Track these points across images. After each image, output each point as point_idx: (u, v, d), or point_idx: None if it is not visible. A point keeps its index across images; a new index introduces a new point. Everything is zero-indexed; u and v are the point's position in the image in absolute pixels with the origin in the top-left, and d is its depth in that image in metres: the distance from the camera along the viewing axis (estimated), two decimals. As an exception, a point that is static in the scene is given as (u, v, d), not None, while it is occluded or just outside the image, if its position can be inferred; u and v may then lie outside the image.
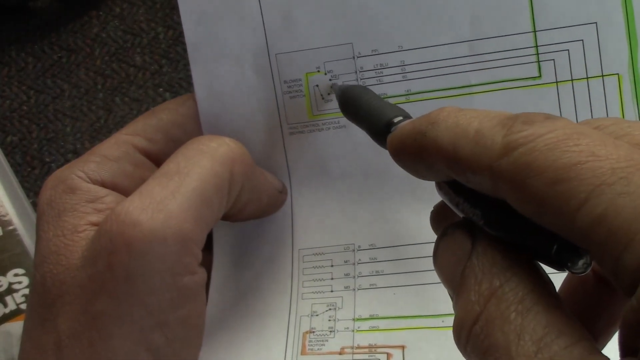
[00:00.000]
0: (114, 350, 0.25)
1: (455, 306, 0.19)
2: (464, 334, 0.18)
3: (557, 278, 0.19)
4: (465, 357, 0.18)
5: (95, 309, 0.25)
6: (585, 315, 0.21)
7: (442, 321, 0.29)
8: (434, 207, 0.22)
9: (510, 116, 0.18)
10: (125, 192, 0.29)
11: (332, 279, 0.30)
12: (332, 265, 0.30)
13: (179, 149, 0.28)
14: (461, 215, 0.20)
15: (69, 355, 0.25)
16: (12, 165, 0.46)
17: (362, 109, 0.25)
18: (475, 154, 0.18)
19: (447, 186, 0.20)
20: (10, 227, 0.44)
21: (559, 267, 0.17)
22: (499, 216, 0.18)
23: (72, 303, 0.26)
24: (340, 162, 0.31)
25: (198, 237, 0.26)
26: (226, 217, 0.30)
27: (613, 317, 0.21)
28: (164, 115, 0.31)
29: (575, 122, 0.28)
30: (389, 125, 0.23)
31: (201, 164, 0.27)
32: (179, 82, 0.47)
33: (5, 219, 0.44)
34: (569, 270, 0.17)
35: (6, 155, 0.47)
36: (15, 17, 0.49)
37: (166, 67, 0.47)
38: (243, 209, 0.29)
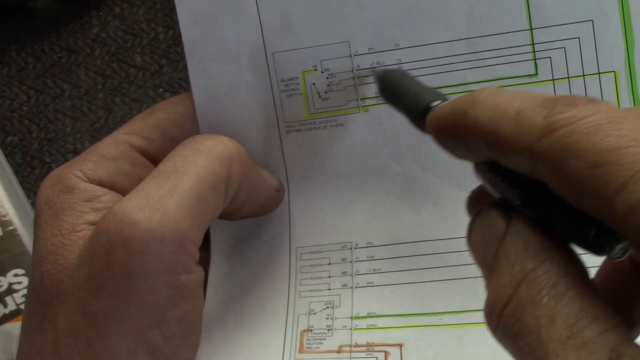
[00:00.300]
0: (112, 349, 0.25)
1: (487, 287, 0.19)
2: (494, 317, 0.18)
3: (592, 264, 0.19)
4: (496, 339, 0.18)
5: (93, 308, 0.25)
6: (620, 304, 0.21)
7: (440, 319, 0.29)
8: (470, 192, 0.22)
9: (553, 98, 0.18)
10: (123, 191, 0.29)
11: (329, 277, 0.30)
12: (329, 264, 0.31)
13: (175, 148, 0.28)
14: (498, 196, 0.20)
15: (67, 355, 0.25)
16: (12, 166, 0.46)
17: (402, 93, 0.25)
18: (516, 134, 0.17)
19: (486, 167, 0.20)
20: (10, 228, 0.44)
21: (597, 252, 0.17)
22: (538, 197, 0.18)
23: (70, 302, 0.26)
24: (338, 160, 0.31)
25: (195, 236, 0.26)
26: (223, 216, 0.30)
27: None
28: (161, 115, 0.31)
29: None
30: (427, 109, 0.23)
31: (198, 163, 0.27)
32: (179, 83, 0.47)
33: (5, 219, 0.44)
34: (607, 255, 0.17)
35: (6, 155, 0.47)
36: (15, 17, 0.49)
37: (166, 67, 0.47)
38: (240, 207, 0.29)
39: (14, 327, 0.42)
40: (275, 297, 0.31)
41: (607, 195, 0.16)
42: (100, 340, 0.25)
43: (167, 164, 0.27)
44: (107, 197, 0.28)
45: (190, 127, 0.32)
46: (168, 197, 0.26)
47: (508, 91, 0.19)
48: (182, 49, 0.32)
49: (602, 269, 0.22)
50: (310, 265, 0.31)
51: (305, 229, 0.31)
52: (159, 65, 0.47)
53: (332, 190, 0.31)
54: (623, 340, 0.16)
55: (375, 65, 0.30)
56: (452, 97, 0.22)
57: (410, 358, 0.28)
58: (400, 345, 0.28)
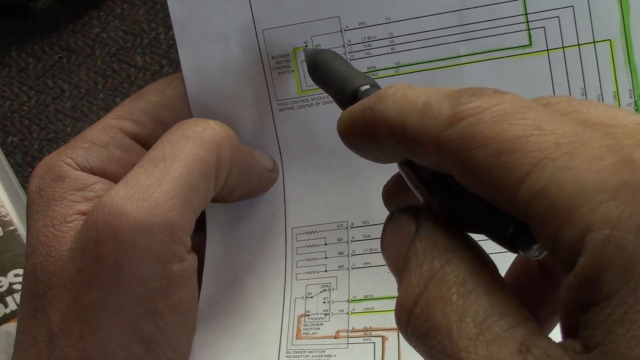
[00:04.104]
0: (105, 340, 0.25)
1: (398, 291, 0.18)
2: (404, 317, 0.18)
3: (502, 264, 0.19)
4: (407, 341, 0.18)
5: (86, 301, 0.25)
6: (529, 303, 0.20)
7: None
8: (383, 187, 0.22)
9: (459, 90, 0.18)
10: (115, 177, 0.29)
11: (325, 258, 0.30)
12: (325, 244, 0.30)
13: (164, 134, 0.28)
14: (420, 196, 0.19)
15: (60, 347, 0.25)
16: (12, 166, 0.46)
17: (331, 75, 0.25)
18: (422, 124, 0.17)
19: (406, 166, 0.20)
20: (11, 228, 0.44)
21: (514, 249, 0.17)
22: (452, 196, 0.18)
23: (62, 295, 0.26)
24: (331, 137, 0.30)
25: (185, 224, 0.26)
26: (216, 200, 0.29)
27: (557, 306, 0.21)
28: (151, 98, 0.31)
29: (568, 91, 0.28)
30: (355, 94, 0.23)
31: (187, 150, 0.27)
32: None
33: (6, 219, 0.44)
34: (523, 253, 0.17)
35: (7, 155, 0.47)
36: (15, 17, 0.49)
37: (167, 68, 0.47)
38: (233, 190, 0.29)
39: (15, 327, 0.42)
40: (271, 281, 0.30)
41: (511, 182, 0.16)
42: (94, 332, 0.25)
43: (155, 152, 0.27)
44: (98, 185, 0.28)
45: (181, 109, 0.31)
46: (156, 186, 0.25)
47: (417, 87, 0.19)
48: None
49: (512, 271, 0.22)
50: (307, 246, 0.30)
51: (300, 209, 0.31)
52: (160, 66, 0.47)
53: (326, 168, 0.30)
54: (532, 334, 0.16)
55: (366, 40, 0.30)
56: (404, 79, 0.21)
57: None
58: (398, 329, 0.28)
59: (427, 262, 0.18)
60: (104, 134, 0.30)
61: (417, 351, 0.18)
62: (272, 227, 0.31)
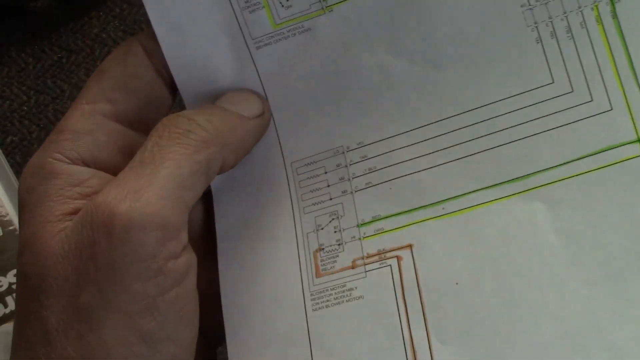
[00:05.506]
0: (104, 339, 0.25)
1: None
2: None
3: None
4: None
5: (82, 301, 0.25)
6: None
7: (443, 208, 0.28)
8: None
9: None
10: (106, 165, 0.28)
11: (328, 186, 0.30)
12: (325, 172, 0.30)
13: (152, 133, 0.27)
14: None
15: (58, 348, 0.25)
16: (12, 166, 0.47)
17: None
18: None
19: None
20: (11, 227, 0.44)
21: None
22: None
23: (57, 296, 0.26)
24: (311, 65, 0.30)
25: (178, 221, 0.26)
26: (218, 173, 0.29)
27: None
28: (115, 71, 0.30)
29: None
30: None
31: (176, 150, 0.26)
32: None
33: (6, 219, 0.44)
34: None
35: (6, 155, 0.47)
36: (15, 17, 0.50)
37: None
38: (232, 164, 0.29)
39: (14, 327, 0.42)
40: (280, 219, 0.30)
41: None
42: (92, 331, 0.25)
43: (145, 154, 0.27)
44: (94, 180, 0.28)
45: (148, 73, 0.30)
46: (147, 186, 0.25)
47: None
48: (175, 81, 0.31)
49: None
50: (308, 178, 0.30)
51: (295, 142, 0.30)
52: (159, 66, 0.47)
53: (312, 97, 0.30)
54: None
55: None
56: None
57: (421, 258, 0.28)
58: (410, 246, 0.28)
59: None
60: (85, 121, 0.28)
61: None
62: (271, 166, 0.30)
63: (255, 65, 0.30)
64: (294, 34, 0.30)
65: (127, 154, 0.28)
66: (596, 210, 0.26)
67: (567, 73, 0.27)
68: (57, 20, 0.49)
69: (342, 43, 0.29)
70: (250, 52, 0.30)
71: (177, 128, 0.27)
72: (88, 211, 0.26)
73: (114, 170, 0.28)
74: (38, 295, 0.26)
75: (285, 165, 0.30)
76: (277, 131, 0.30)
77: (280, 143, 0.30)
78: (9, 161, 0.47)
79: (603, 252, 0.26)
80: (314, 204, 0.30)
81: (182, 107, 0.31)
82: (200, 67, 0.30)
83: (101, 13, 0.49)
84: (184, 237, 0.27)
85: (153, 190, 0.25)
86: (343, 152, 0.30)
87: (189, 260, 0.27)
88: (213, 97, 0.30)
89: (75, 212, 0.27)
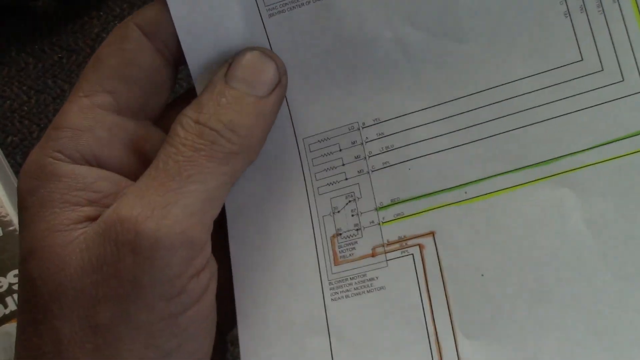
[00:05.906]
0: (122, 355, 0.25)
1: None
2: None
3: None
4: None
5: (101, 315, 0.25)
6: None
7: (465, 192, 0.27)
8: None
9: None
10: (110, 163, 0.27)
11: (343, 164, 0.28)
12: (340, 150, 0.28)
13: (172, 136, 0.26)
14: None
15: (70, 359, 0.25)
16: (12, 166, 0.46)
17: None
18: None
19: None
20: (11, 228, 0.44)
21: None
22: None
23: (72, 308, 0.25)
24: (326, 36, 0.28)
25: (205, 237, 0.26)
26: None
27: None
28: (112, 59, 0.28)
29: None
30: None
31: (201, 163, 0.26)
32: (179, 82, 0.46)
33: (6, 219, 0.44)
34: None
35: (6, 155, 0.47)
36: (15, 17, 0.49)
37: (166, 68, 0.47)
38: (255, 157, 0.28)
39: (15, 327, 0.42)
40: (294, 199, 0.29)
41: None
42: (110, 346, 0.25)
43: (169, 163, 0.26)
44: (102, 184, 0.26)
45: (146, 61, 0.28)
46: (174, 203, 0.25)
47: None
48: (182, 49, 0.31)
49: None
50: (322, 155, 0.28)
51: (307, 117, 0.29)
52: (160, 66, 0.47)
53: (327, 70, 0.28)
54: None
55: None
56: None
57: (444, 247, 0.27)
58: (433, 234, 0.27)
59: None
60: (83, 116, 0.27)
61: None
62: (283, 142, 0.29)
63: (267, 34, 0.28)
64: (309, 2, 0.28)
65: (131, 148, 0.28)
66: (629, 198, 0.25)
67: (597, 50, 0.25)
68: (57, 20, 0.49)
69: (358, 13, 0.28)
70: (262, 20, 0.28)
71: (201, 138, 0.26)
72: (111, 224, 0.25)
73: (118, 167, 0.27)
74: (49, 304, 0.25)
75: (297, 141, 0.29)
76: (288, 105, 0.29)
77: (291, 117, 0.29)
78: (9, 161, 0.47)
79: (636, 244, 0.24)
80: (328, 184, 0.28)
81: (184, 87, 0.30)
82: (210, 34, 0.28)
83: (101, 13, 0.49)
84: (208, 250, 0.26)
85: (180, 208, 0.25)
86: (358, 129, 0.28)
87: (210, 271, 0.27)
88: (220, 65, 0.28)
89: (86, 219, 0.26)
